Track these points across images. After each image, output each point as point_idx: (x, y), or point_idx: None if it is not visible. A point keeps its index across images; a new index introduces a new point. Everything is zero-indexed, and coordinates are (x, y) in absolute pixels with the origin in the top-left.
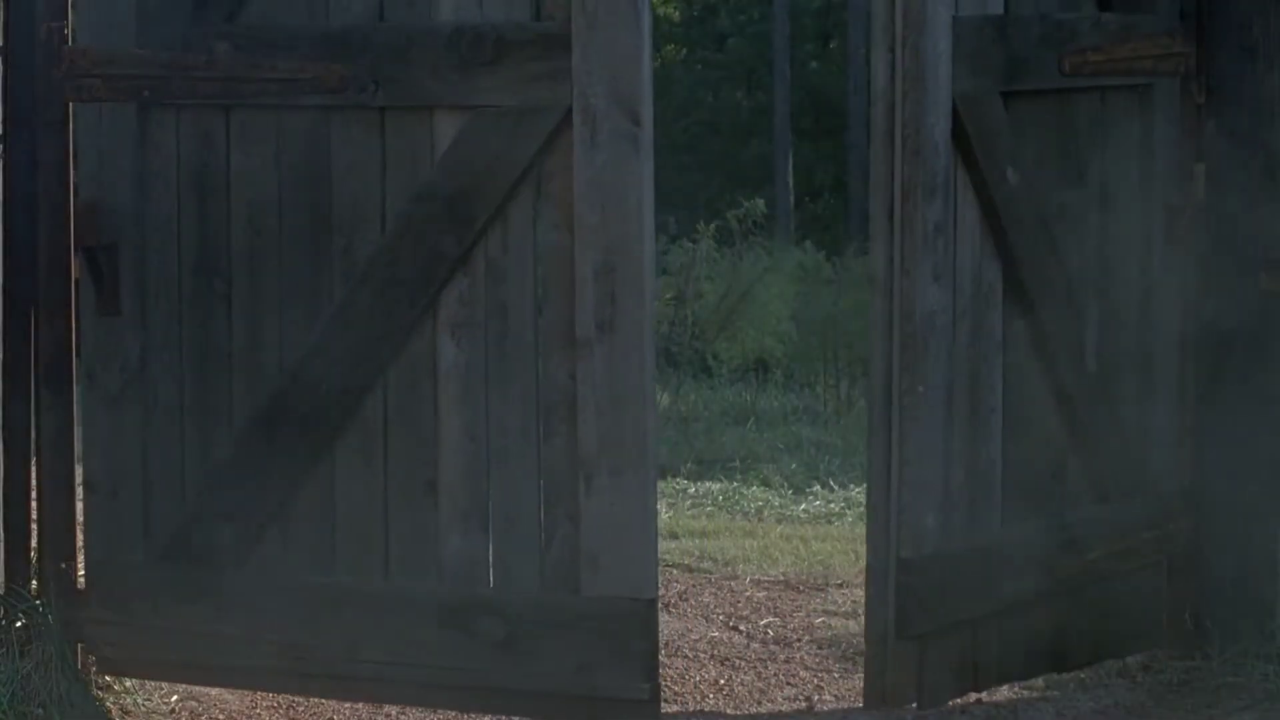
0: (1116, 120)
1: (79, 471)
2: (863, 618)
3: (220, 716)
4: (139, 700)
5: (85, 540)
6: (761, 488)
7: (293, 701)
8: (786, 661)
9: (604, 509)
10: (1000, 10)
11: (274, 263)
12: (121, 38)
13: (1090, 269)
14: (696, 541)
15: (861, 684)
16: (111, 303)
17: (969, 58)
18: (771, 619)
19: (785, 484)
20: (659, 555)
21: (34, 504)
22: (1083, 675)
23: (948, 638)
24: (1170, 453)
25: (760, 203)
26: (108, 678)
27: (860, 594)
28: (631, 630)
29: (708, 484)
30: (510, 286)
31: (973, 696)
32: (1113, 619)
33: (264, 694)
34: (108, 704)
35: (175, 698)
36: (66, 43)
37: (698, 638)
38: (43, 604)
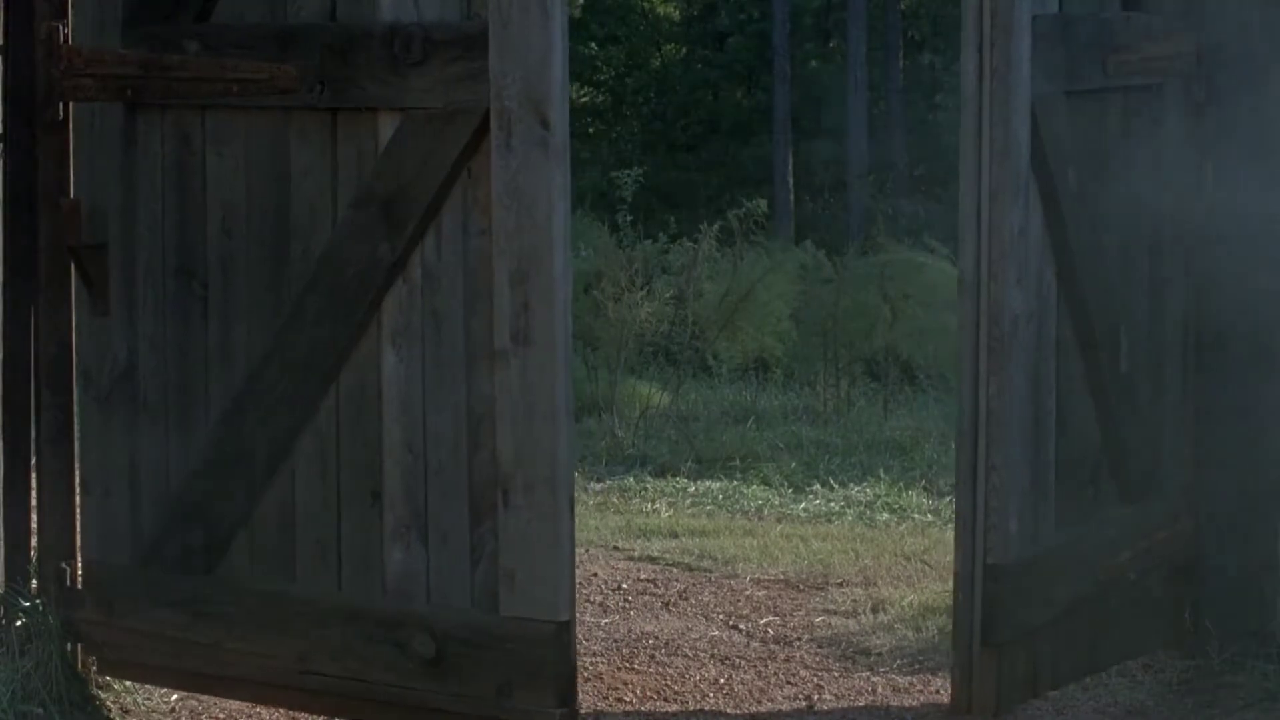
0: (1138, 120)
1: (79, 471)
2: (861, 617)
3: (220, 716)
4: (139, 700)
5: (81, 541)
6: (761, 487)
7: None
8: (786, 660)
9: (520, 526)
10: (1056, 9)
11: (243, 265)
12: (109, 37)
13: (1119, 269)
14: (696, 540)
15: (861, 683)
16: (101, 303)
17: (1040, 58)
18: (771, 618)
19: (785, 483)
20: (657, 554)
21: (34, 503)
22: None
23: (1019, 644)
24: (1175, 452)
25: (761, 203)
26: (107, 677)
27: (860, 593)
28: (545, 653)
29: (707, 483)
30: (443, 294)
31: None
32: (1136, 619)
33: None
34: (108, 703)
35: (175, 697)
36: (66, 41)
37: (697, 636)
38: (43, 604)
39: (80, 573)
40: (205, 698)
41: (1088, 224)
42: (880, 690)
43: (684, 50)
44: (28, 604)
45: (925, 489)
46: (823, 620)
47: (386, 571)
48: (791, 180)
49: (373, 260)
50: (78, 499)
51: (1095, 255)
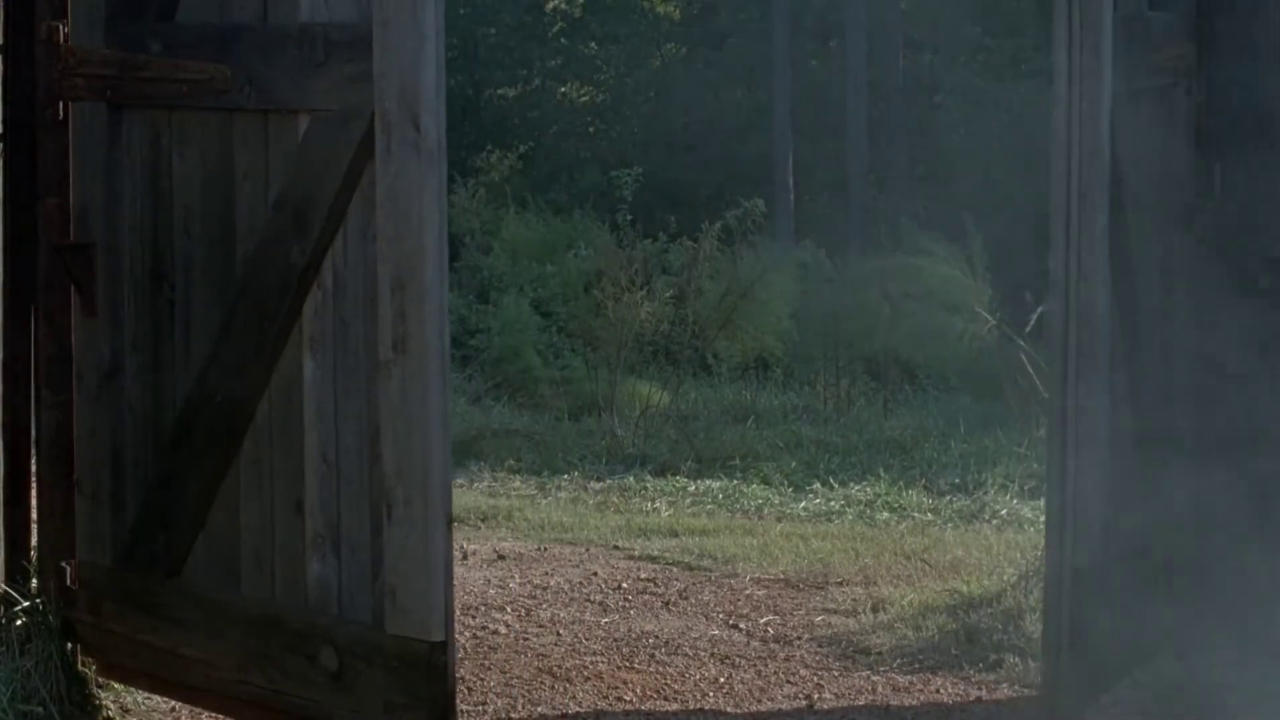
0: (1151, 119)
1: (75, 472)
2: (863, 616)
3: (221, 716)
4: (139, 699)
5: (76, 541)
6: (761, 486)
7: None
8: (786, 660)
9: (400, 541)
10: (1111, 8)
11: (200, 268)
12: (95, 35)
13: (1161, 274)
14: (696, 539)
15: (861, 682)
16: (88, 304)
17: (1115, 57)
18: (771, 617)
19: (785, 482)
20: (657, 553)
21: (34, 503)
22: None
23: (1095, 644)
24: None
25: (759, 202)
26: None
27: (860, 592)
28: (421, 673)
29: (708, 482)
30: (349, 301)
31: (972, 694)
32: None
33: None
34: (107, 703)
35: None
36: (65, 41)
37: (698, 636)
38: (42, 603)
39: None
40: None
41: (1143, 224)
42: (880, 689)
43: (684, 50)
44: (28, 603)
45: (925, 488)
46: (823, 619)
47: (308, 583)
48: (791, 180)
49: (288, 265)
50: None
51: (1150, 255)
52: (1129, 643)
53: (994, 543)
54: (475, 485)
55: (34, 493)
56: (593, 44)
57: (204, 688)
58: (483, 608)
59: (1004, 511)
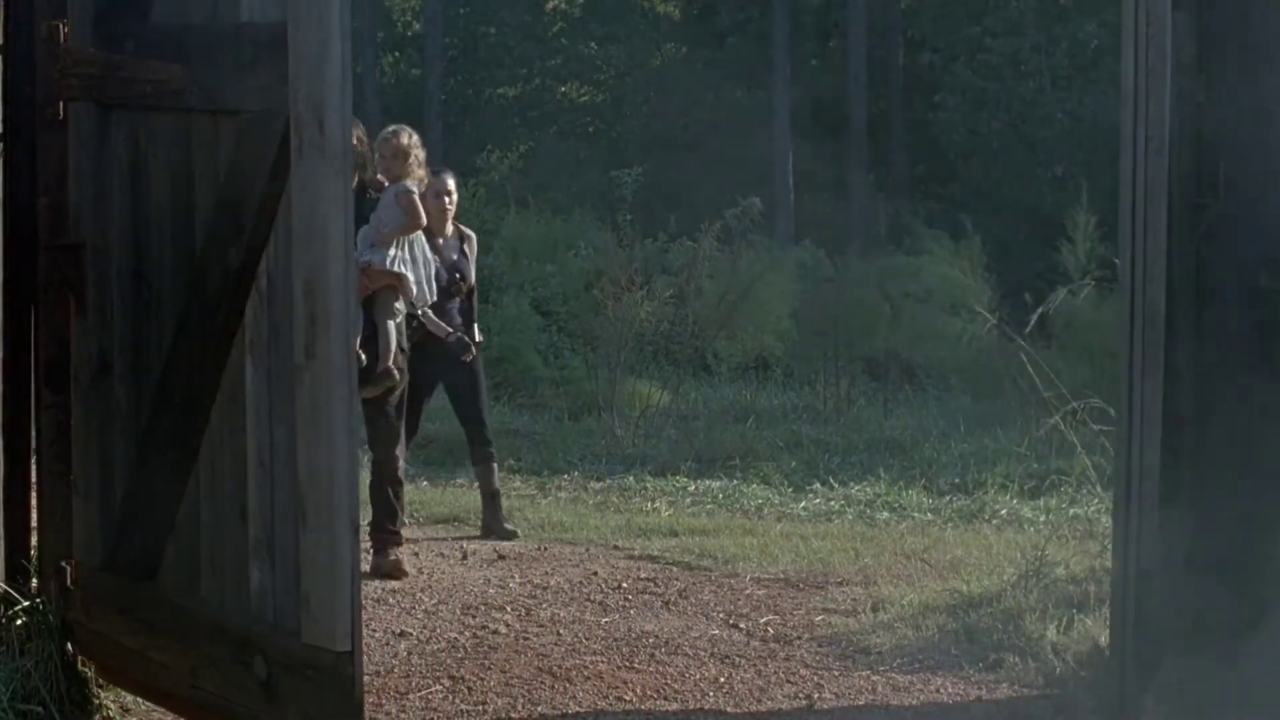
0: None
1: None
2: (862, 616)
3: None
4: (139, 699)
5: (74, 541)
6: (761, 485)
7: None
8: (786, 659)
9: (310, 550)
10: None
11: (169, 269)
12: (85, 36)
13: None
14: (696, 539)
15: (861, 682)
16: (80, 304)
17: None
18: (771, 617)
19: (785, 482)
20: (657, 553)
21: (34, 503)
22: (1083, 673)
23: (1151, 646)
24: None
25: (756, 201)
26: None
27: (860, 592)
28: (329, 684)
29: (708, 482)
30: (280, 304)
31: (972, 694)
32: None
33: None
34: (107, 702)
35: None
36: (65, 41)
37: (698, 635)
38: (42, 602)
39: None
40: None
41: (1179, 223)
42: (880, 689)
43: (684, 50)
44: (28, 603)
45: (925, 488)
46: (823, 619)
47: (250, 590)
48: (791, 180)
49: (227, 267)
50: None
51: (1189, 254)
52: (1185, 637)
53: (994, 542)
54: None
55: (34, 493)
56: (593, 44)
57: (167, 691)
58: (483, 607)
59: (1004, 511)
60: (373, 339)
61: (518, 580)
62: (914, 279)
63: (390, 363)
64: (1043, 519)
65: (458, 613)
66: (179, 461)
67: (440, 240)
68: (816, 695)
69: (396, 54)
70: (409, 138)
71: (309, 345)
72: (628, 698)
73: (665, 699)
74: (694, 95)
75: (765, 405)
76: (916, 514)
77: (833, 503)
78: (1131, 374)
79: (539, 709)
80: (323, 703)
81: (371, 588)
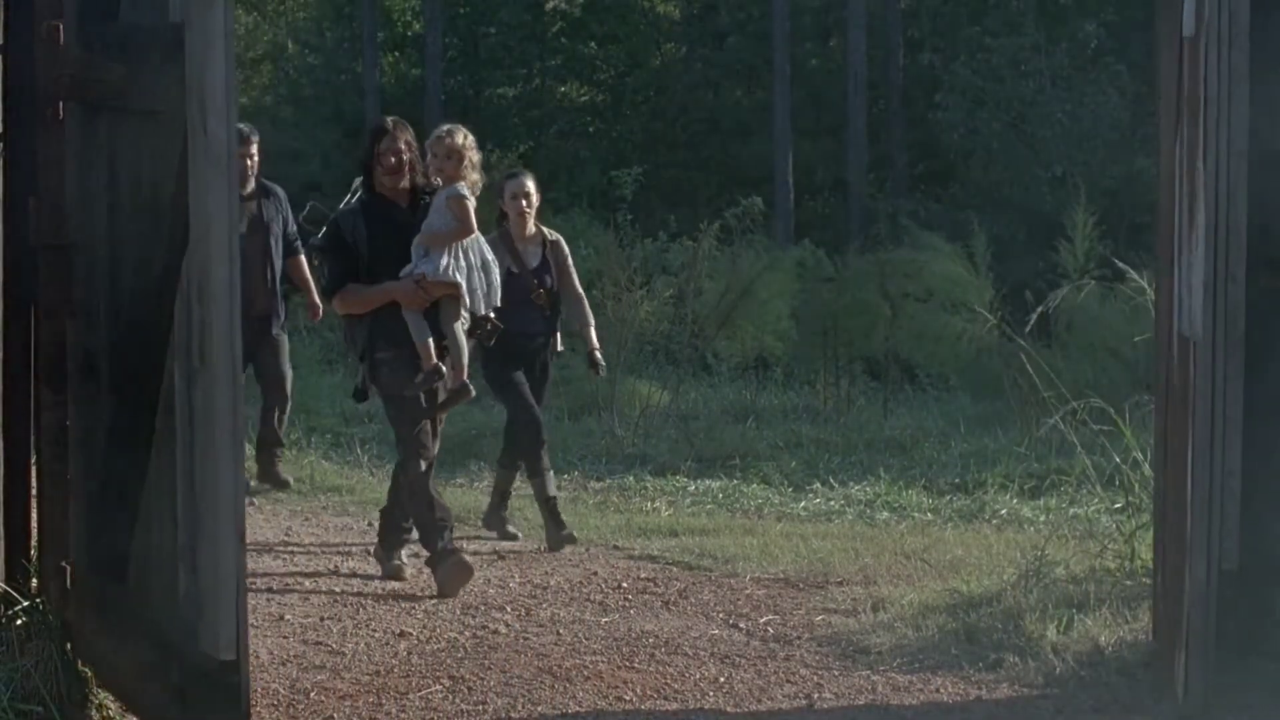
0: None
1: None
2: (863, 616)
3: None
4: None
5: (71, 542)
6: (761, 485)
7: (292, 700)
8: (786, 659)
9: (203, 557)
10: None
11: (131, 270)
12: (71, 35)
13: None
14: (696, 539)
15: (861, 682)
16: (70, 305)
17: None
18: (771, 616)
19: (785, 482)
20: (657, 553)
21: (35, 502)
22: (1083, 673)
23: (1232, 638)
24: None
25: (758, 200)
26: None
27: (860, 591)
28: (216, 692)
29: (707, 482)
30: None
31: (972, 694)
32: None
33: (264, 692)
34: (107, 703)
35: None
36: (60, 40)
37: (698, 635)
38: (42, 602)
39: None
40: None
41: None
42: (880, 689)
43: (684, 50)
44: (27, 603)
45: (925, 488)
46: (823, 619)
47: (179, 596)
48: (791, 180)
49: (152, 269)
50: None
51: None
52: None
53: (994, 542)
54: (475, 485)
55: (34, 493)
56: (593, 44)
57: (128, 694)
58: (483, 607)
59: (1004, 511)
60: (445, 352)
61: (518, 580)
62: (914, 278)
63: (464, 375)
64: (1043, 519)
65: (458, 613)
66: (138, 464)
67: (519, 245)
68: (816, 695)
69: (396, 54)
70: (463, 137)
71: (202, 350)
72: (628, 698)
73: (665, 699)
74: (694, 95)
75: (765, 405)
76: (916, 514)
77: (833, 503)
78: (1214, 374)
79: (539, 709)
80: (213, 711)
81: (372, 588)
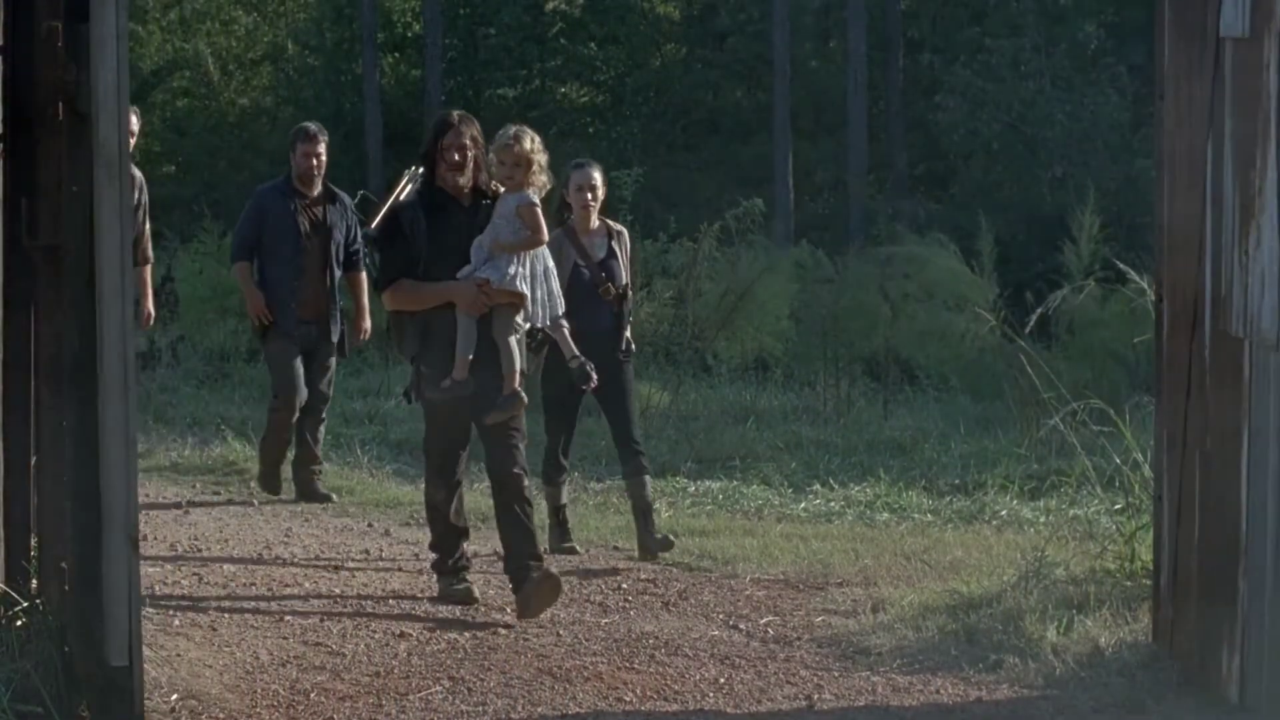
0: None
1: None
2: (862, 617)
3: (220, 715)
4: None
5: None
6: (761, 486)
7: (292, 700)
8: (786, 660)
9: (106, 563)
10: None
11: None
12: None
13: None
14: (696, 540)
15: (860, 683)
16: (61, 304)
17: None
18: (771, 617)
19: (785, 483)
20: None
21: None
22: (1083, 674)
23: None
24: None
25: (759, 201)
26: None
27: (860, 593)
28: (111, 699)
29: (707, 483)
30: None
31: (972, 695)
32: None
33: (264, 693)
34: None
35: (175, 697)
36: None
37: (698, 636)
38: (42, 603)
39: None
40: (204, 698)
41: None
42: (880, 690)
43: (684, 50)
44: (27, 604)
45: (925, 489)
46: (823, 620)
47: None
48: (791, 180)
49: (86, 270)
50: None
51: None
52: None
53: (994, 543)
54: (476, 486)
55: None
56: (593, 44)
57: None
58: (483, 608)
59: (1004, 512)
60: (494, 360)
61: None
62: (914, 279)
63: (516, 385)
64: (1042, 520)
65: (457, 613)
66: (90, 464)
67: (585, 239)
68: (816, 696)
69: (396, 54)
70: (530, 142)
71: (101, 356)
72: (628, 698)
73: (665, 700)
74: (694, 96)
75: (765, 406)
76: (916, 515)
77: (833, 504)
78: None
79: (539, 710)
80: (113, 716)
81: (371, 588)
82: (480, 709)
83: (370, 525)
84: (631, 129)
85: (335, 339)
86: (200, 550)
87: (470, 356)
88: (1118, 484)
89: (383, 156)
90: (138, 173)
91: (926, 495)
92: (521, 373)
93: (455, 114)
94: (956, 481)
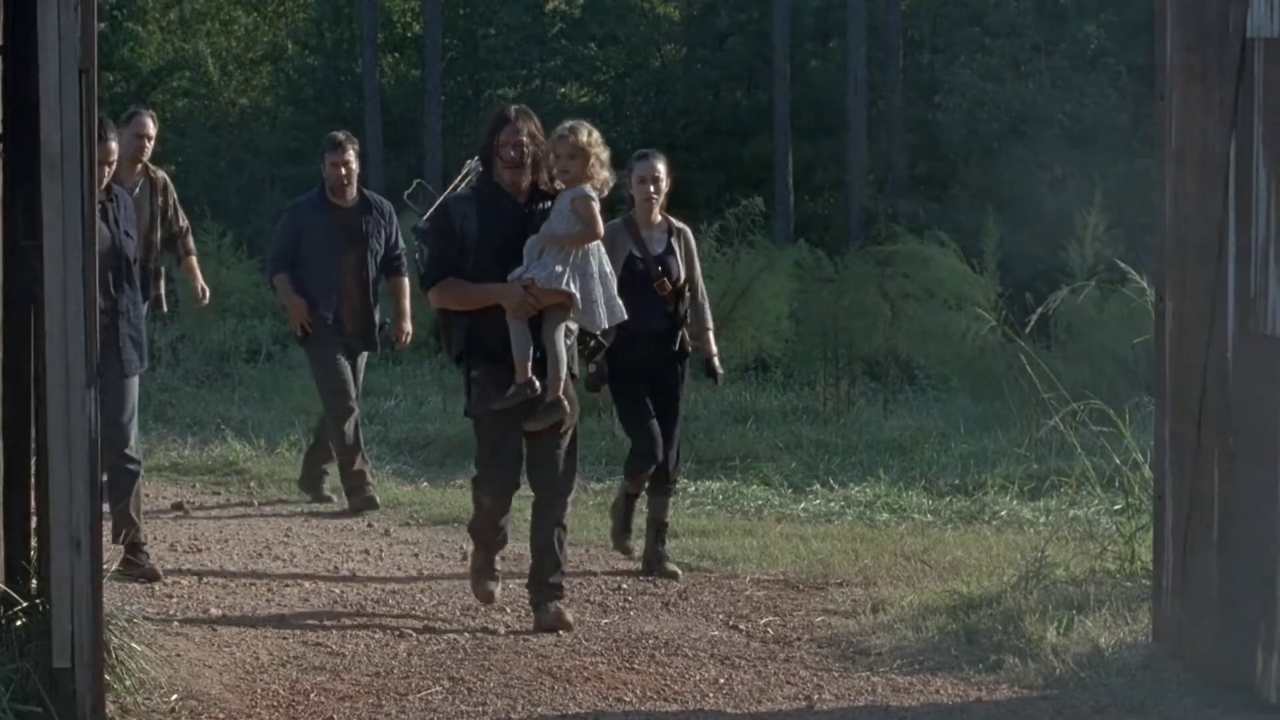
0: None
1: None
2: (862, 617)
3: (220, 715)
4: (139, 700)
5: None
6: (761, 486)
7: (292, 700)
8: (786, 660)
9: (52, 561)
10: None
11: None
12: None
13: None
14: (696, 540)
15: (860, 683)
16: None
17: None
18: (771, 618)
19: (785, 483)
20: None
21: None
22: (1083, 675)
23: None
24: None
25: (759, 201)
26: (107, 677)
27: (860, 593)
28: (56, 699)
29: (707, 483)
30: None
31: (972, 695)
32: None
33: (264, 693)
34: (107, 704)
35: (175, 697)
36: None
37: (697, 636)
38: (42, 604)
39: None
40: (204, 698)
41: None
42: (880, 690)
43: (684, 50)
44: (27, 604)
45: (925, 489)
46: (822, 620)
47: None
48: (791, 180)
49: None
50: None
51: None
52: None
53: (994, 544)
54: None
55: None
56: (593, 44)
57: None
58: (482, 608)
59: (1004, 513)
60: (541, 363)
61: (518, 580)
62: (913, 279)
63: (560, 392)
64: (1042, 520)
65: (457, 613)
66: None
67: (644, 232)
68: (816, 696)
69: (396, 54)
70: (588, 134)
71: (56, 360)
72: (628, 699)
73: (665, 700)
74: (694, 96)
75: (765, 406)
76: (916, 515)
77: (833, 504)
78: None
79: (539, 710)
80: (57, 716)
81: (371, 588)
82: (480, 709)
83: (370, 525)
84: (631, 129)
85: (375, 348)
86: (200, 550)
87: (529, 354)
88: (1118, 484)
89: (383, 156)
90: (161, 173)
91: (926, 495)
92: (571, 378)
93: (513, 108)
94: (956, 481)
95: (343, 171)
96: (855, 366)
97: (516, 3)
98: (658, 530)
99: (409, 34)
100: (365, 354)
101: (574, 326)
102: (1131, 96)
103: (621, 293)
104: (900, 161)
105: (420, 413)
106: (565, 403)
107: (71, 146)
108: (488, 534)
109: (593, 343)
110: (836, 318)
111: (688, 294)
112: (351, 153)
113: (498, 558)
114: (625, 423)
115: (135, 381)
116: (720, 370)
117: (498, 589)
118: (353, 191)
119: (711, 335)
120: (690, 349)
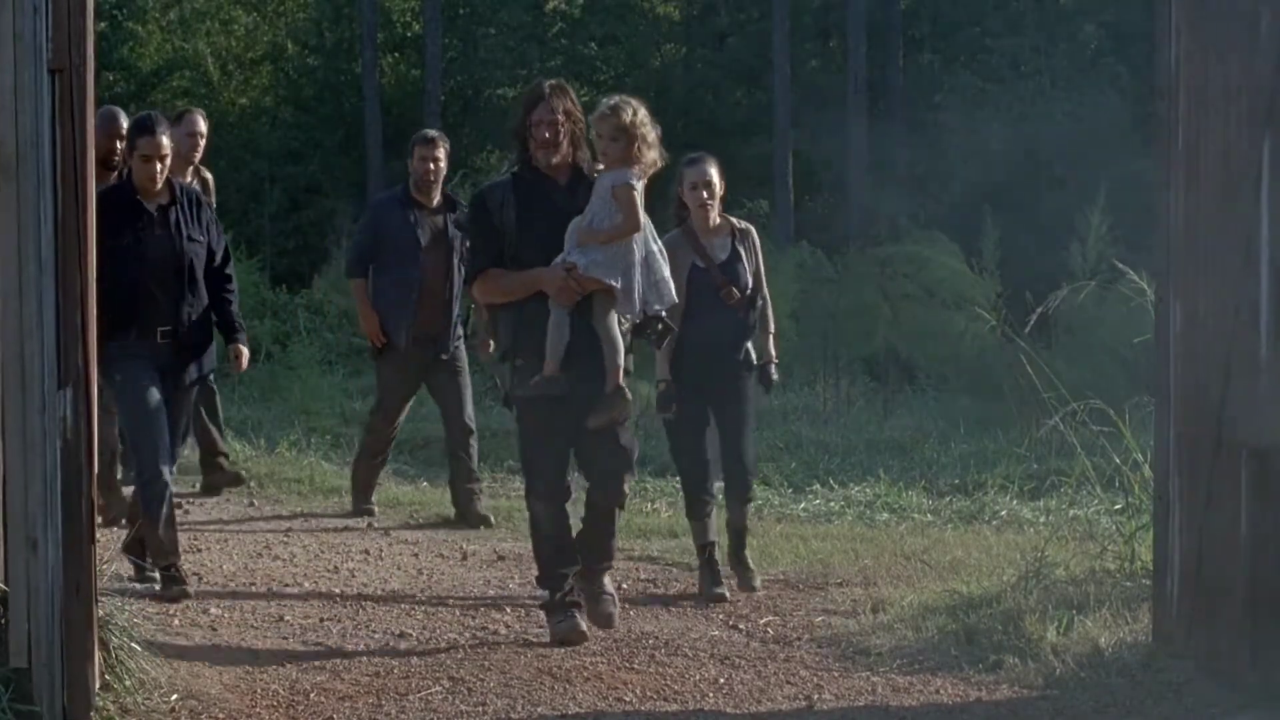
0: None
1: None
2: (862, 617)
3: (220, 715)
4: (139, 700)
5: None
6: (761, 486)
7: (292, 700)
8: (786, 660)
9: (8, 560)
10: None
11: None
12: None
13: None
14: None
15: (860, 683)
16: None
17: None
18: (771, 618)
19: (785, 483)
20: (657, 554)
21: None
22: (1083, 675)
23: None
24: None
25: (763, 203)
26: (107, 677)
27: (860, 593)
28: (15, 699)
29: None
30: None
31: (972, 695)
32: None
33: (264, 693)
34: (108, 704)
35: (175, 697)
36: None
37: (697, 636)
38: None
39: None
40: (204, 698)
41: None
42: (880, 690)
43: (684, 50)
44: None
45: (925, 489)
46: (822, 620)
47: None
48: (791, 180)
49: None
50: None
51: None
52: None
53: (994, 544)
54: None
55: None
56: (593, 44)
57: None
58: (483, 608)
59: (1004, 512)
60: (594, 353)
61: (517, 580)
62: (914, 279)
63: (620, 381)
64: (1042, 520)
65: (457, 613)
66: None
67: (705, 240)
68: (816, 696)
69: (396, 54)
70: (633, 112)
71: (10, 363)
72: (628, 699)
73: (665, 700)
74: (694, 96)
75: (764, 406)
76: (916, 515)
77: (832, 504)
78: None
79: (539, 710)
80: (14, 717)
81: (371, 588)
82: (480, 709)
83: (370, 525)
84: None
85: (452, 353)
86: (200, 550)
87: (561, 353)
88: (1118, 484)
89: (383, 156)
90: (208, 175)
91: (926, 495)
92: (626, 371)
93: (548, 84)
94: (956, 481)
95: (431, 167)
96: (855, 366)
97: (516, 3)
98: (738, 537)
99: (409, 34)
100: (465, 375)
101: (625, 319)
102: (1131, 96)
103: (687, 304)
104: (900, 161)
105: (420, 413)
106: (627, 393)
107: (28, 148)
108: (548, 551)
109: (660, 325)
110: (836, 318)
111: (759, 302)
112: (442, 150)
113: (572, 586)
114: (677, 452)
115: (191, 393)
116: (775, 378)
117: (583, 620)
118: (438, 191)
119: (772, 340)
120: (756, 360)
